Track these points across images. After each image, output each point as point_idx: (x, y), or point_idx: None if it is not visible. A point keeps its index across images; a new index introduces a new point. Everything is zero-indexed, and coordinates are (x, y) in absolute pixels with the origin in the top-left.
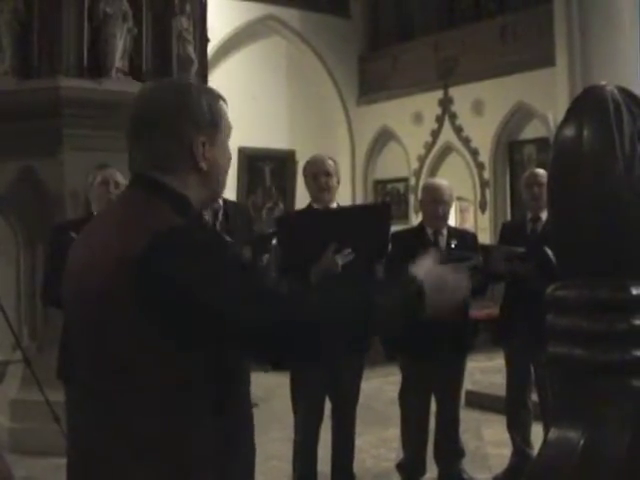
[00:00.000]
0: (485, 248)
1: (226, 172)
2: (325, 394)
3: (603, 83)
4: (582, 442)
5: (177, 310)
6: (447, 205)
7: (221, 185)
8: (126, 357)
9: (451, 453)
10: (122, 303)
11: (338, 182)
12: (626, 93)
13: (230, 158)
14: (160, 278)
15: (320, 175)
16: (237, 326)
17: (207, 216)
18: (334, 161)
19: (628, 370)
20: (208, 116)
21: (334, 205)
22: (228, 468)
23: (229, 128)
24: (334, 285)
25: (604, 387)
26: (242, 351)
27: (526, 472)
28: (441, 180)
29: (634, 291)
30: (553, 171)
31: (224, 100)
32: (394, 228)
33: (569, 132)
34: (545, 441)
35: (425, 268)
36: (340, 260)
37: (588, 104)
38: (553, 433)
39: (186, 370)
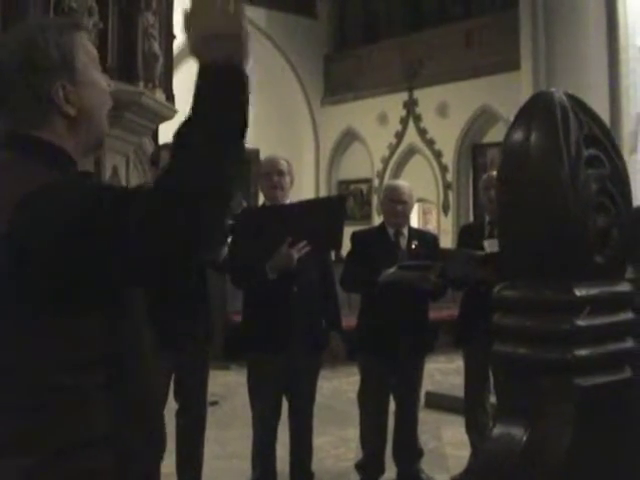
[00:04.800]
0: (444, 252)
1: (102, 105)
2: (282, 393)
3: (552, 89)
4: (525, 439)
5: (62, 276)
6: (407, 205)
7: (100, 125)
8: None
9: (410, 453)
10: None
11: (292, 182)
12: (574, 99)
13: (104, 88)
14: (33, 251)
15: (273, 174)
16: (127, 241)
17: None
18: (288, 161)
19: (571, 369)
20: (57, 57)
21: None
22: (122, 452)
23: (91, 58)
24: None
25: (547, 385)
26: (146, 268)
27: (469, 467)
28: (401, 181)
29: (578, 292)
30: (501, 174)
31: (79, 27)
32: (356, 228)
33: (517, 136)
34: (489, 437)
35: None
36: (295, 254)
37: (536, 109)
38: (497, 429)
39: (74, 350)
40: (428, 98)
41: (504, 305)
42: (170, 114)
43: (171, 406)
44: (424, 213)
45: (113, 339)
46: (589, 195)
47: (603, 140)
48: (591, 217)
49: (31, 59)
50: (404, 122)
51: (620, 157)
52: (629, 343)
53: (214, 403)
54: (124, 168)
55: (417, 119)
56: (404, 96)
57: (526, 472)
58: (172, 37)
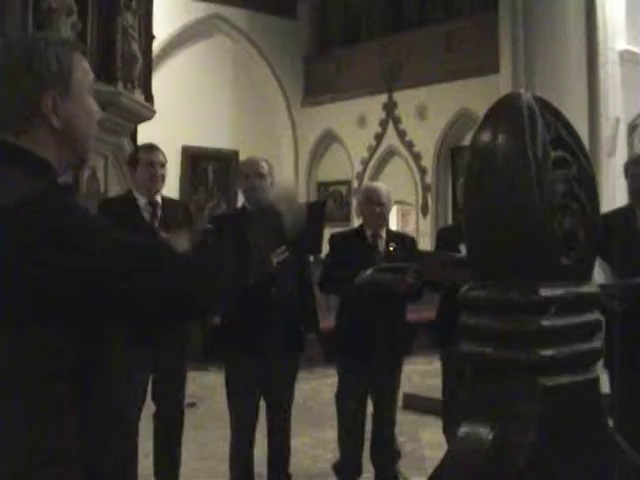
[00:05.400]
0: (422, 254)
1: (88, 128)
2: (259, 395)
3: (520, 91)
4: (490, 438)
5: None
6: (385, 207)
7: (83, 143)
8: None
9: (387, 455)
10: None
11: (272, 183)
12: (542, 102)
13: (93, 113)
14: (17, 267)
15: (253, 176)
16: (128, 288)
17: (145, 213)
18: (268, 163)
19: (536, 369)
20: (55, 68)
21: None
22: (91, 470)
23: (87, 80)
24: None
25: (513, 385)
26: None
27: (437, 466)
28: (379, 183)
29: (543, 293)
30: (468, 175)
31: (82, 51)
32: (335, 230)
33: (484, 138)
34: (456, 436)
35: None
36: (274, 258)
37: (504, 111)
38: (463, 429)
39: (50, 363)
40: (407, 100)
41: (471, 305)
42: (149, 115)
43: (149, 408)
44: (403, 215)
45: (82, 353)
46: (555, 197)
47: (570, 142)
48: (557, 219)
49: (29, 63)
50: (383, 124)
51: (587, 159)
52: (595, 343)
53: (192, 404)
54: (102, 169)
55: (396, 121)
56: (384, 98)
57: (492, 471)
58: (151, 38)
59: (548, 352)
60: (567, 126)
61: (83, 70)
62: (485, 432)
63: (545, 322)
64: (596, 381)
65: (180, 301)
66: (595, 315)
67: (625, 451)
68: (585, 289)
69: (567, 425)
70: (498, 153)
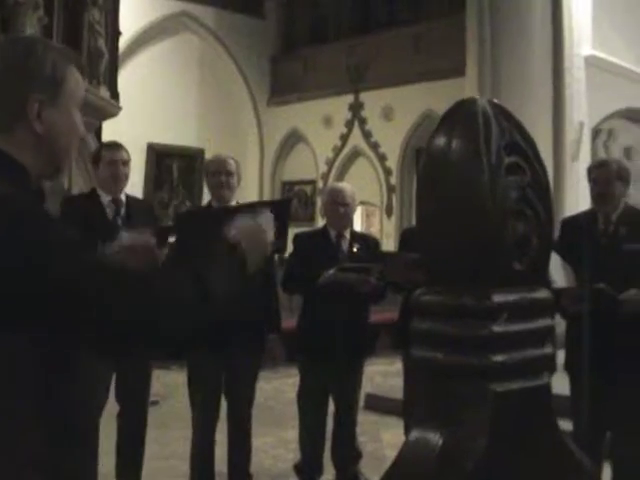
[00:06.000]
0: (385, 255)
1: (69, 142)
2: (221, 394)
3: (476, 97)
4: (440, 443)
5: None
6: (349, 207)
7: (61, 154)
8: None
9: (348, 455)
10: None
11: (239, 181)
12: (498, 108)
13: (77, 127)
14: None
15: (220, 174)
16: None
17: (109, 210)
18: (235, 161)
19: (487, 374)
20: (49, 73)
21: (233, 204)
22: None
23: (78, 93)
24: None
25: (464, 390)
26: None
27: (387, 470)
28: (344, 183)
29: (496, 298)
30: (422, 179)
31: (76, 64)
32: (300, 229)
33: (439, 142)
34: (406, 441)
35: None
36: None
37: (459, 116)
38: (414, 433)
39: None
40: (374, 101)
41: (423, 310)
42: (114, 111)
43: (112, 407)
44: (367, 216)
45: (47, 360)
46: (509, 202)
47: (525, 148)
48: (510, 224)
49: (25, 61)
50: (349, 124)
51: (542, 165)
52: (547, 349)
53: (154, 403)
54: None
55: (362, 122)
56: (350, 98)
57: (442, 476)
58: (118, 34)
59: (499, 358)
60: (522, 131)
61: (76, 82)
62: (435, 437)
63: (497, 328)
64: (547, 387)
65: (145, 322)
66: (547, 321)
67: (575, 454)
68: (538, 295)
69: (517, 430)
70: (452, 158)
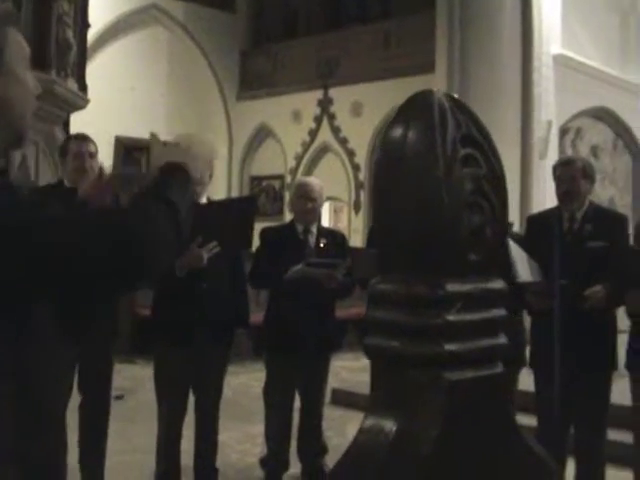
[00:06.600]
0: (352, 251)
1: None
2: (188, 388)
3: (433, 89)
4: (394, 431)
5: None
6: (316, 202)
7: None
8: None
9: (314, 449)
10: None
11: (210, 177)
12: (454, 100)
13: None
14: None
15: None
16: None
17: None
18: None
19: (441, 363)
20: None
21: (204, 199)
22: (27, 469)
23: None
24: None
25: (418, 379)
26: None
27: (340, 458)
28: (312, 178)
29: (450, 288)
30: (377, 170)
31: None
32: (267, 224)
33: (395, 133)
34: (360, 429)
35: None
36: (205, 254)
37: (415, 108)
38: (368, 421)
39: None
40: (343, 97)
41: (377, 298)
42: (82, 104)
43: (75, 398)
44: (335, 212)
45: (17, 347)
46: (464, 194)
47: (481, 141)
48: (465, 215)
49: None
50: (318, 120)
51: (497, 158)
52: (501, 339)
53: (119, 397)
54: (33, 156)
55: (331, 117)
56: (319, 94)
57: (395, 463)
58: (87, 26)
59: (453, 347)
60: (478, 125)
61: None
62: (389, 424)
63: (450, 317)
64: (501, 376)
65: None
66: (501, 311)
67: (528, 443)
68: (492, 285)
69: (471, 418)
70: (407, 149)
